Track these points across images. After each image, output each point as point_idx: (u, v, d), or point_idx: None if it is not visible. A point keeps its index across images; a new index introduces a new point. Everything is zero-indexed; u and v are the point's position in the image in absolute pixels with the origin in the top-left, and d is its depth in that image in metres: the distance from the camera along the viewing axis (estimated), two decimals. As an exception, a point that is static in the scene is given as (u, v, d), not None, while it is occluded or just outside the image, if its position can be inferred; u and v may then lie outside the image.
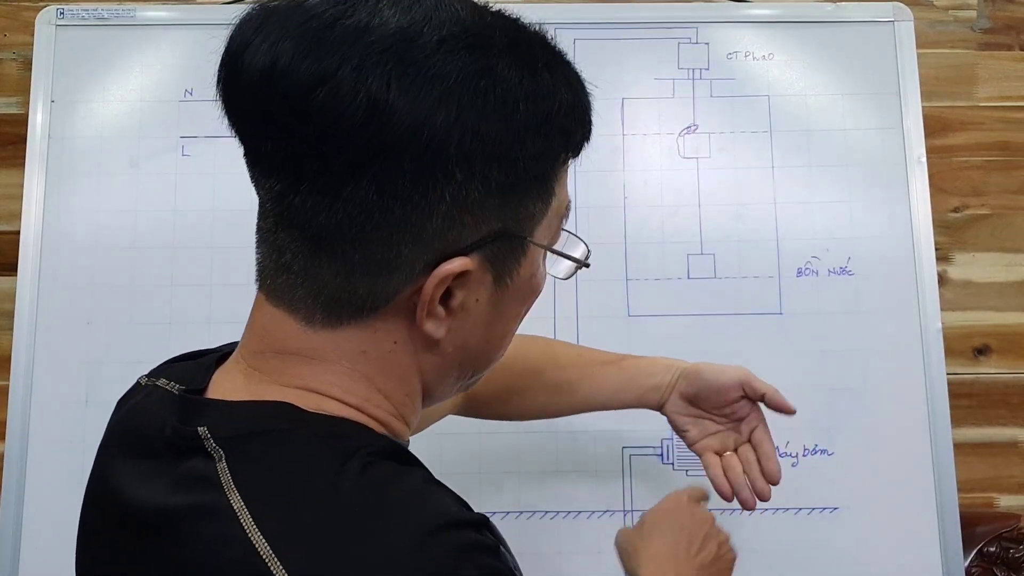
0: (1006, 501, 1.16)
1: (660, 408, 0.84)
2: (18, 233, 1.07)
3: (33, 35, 1.11)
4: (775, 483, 0.82)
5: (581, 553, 1.02)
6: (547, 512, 1.03)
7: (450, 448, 1.04)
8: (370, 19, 0.44)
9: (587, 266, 0.57)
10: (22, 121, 1.10)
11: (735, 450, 0.84)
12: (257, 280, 0.51)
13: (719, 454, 0.83)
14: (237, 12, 0.48)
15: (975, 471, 1.15)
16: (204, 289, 1.05)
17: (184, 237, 1.07)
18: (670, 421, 0.85)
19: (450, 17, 0.45)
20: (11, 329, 1.05)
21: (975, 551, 1.09)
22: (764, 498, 0.83)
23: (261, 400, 0.49)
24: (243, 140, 0.48)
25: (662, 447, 1.05)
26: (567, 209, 0.54)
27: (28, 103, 1.09)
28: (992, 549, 1.09)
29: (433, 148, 0.44)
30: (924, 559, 1.02)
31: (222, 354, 0.56)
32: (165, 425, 0.50)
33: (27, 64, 1.13)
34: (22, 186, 1.07)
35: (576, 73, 0.51)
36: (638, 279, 1.08)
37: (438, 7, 0.45)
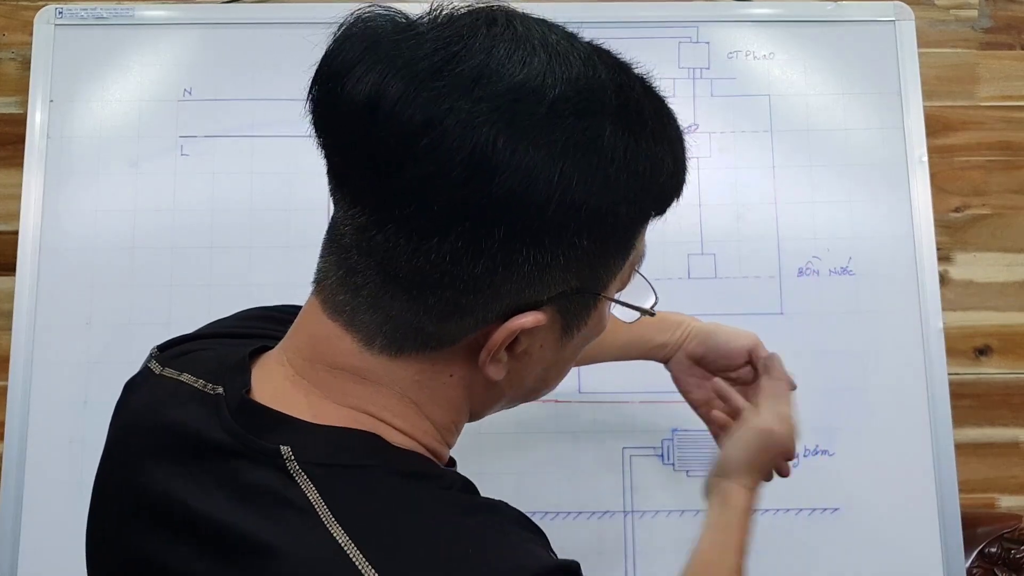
0: (1007, 501, 1.16)
1: (665, 363, 0.85)
2: (17, 233, 1.06)
3: (32, 35, 1.11)
4: (790, 458, 0.82)
5: (581, 553, 1.02)
6: (547, 512, 1.03)
7: (450, 448, 1.04)
8: (484, 65, 0.43)
9: (652, 315, 0.56)
10: (21, 121, 1.10)
11: None
12: (315, 284, 0.50)
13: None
14: (337, 19, 0.46)
15: (976, 471, 1.15)
16: (204, 289, 1.05)
17: (183, 237, 1.06)
18: (673, 378, 0.85)
19: (564, 74, 0.44)
20: (10, 329, 1.04)
21: (976, 552, 1.09)
22: (783, 475, 0.82)
23: (347, 428, 0.48)
24: (330, 161, 0.47)
25: (662, 447, 1.05)
26: (642, 257, 0.53)
27: (27, 103, 1.09)
28: (993, 550, 1.09)
29: (529, 215, 0.43)
30: (925, 559, 1.02)
31: (252, 350, 0.54)
32: (213, 428, 0.49)
33: (26, 64, 1.13)
34: (21, 186, 1.07)
35: (678, 130, 0.50)
36: (638, 279, 1.08)
37: (552, 61, 0.44)
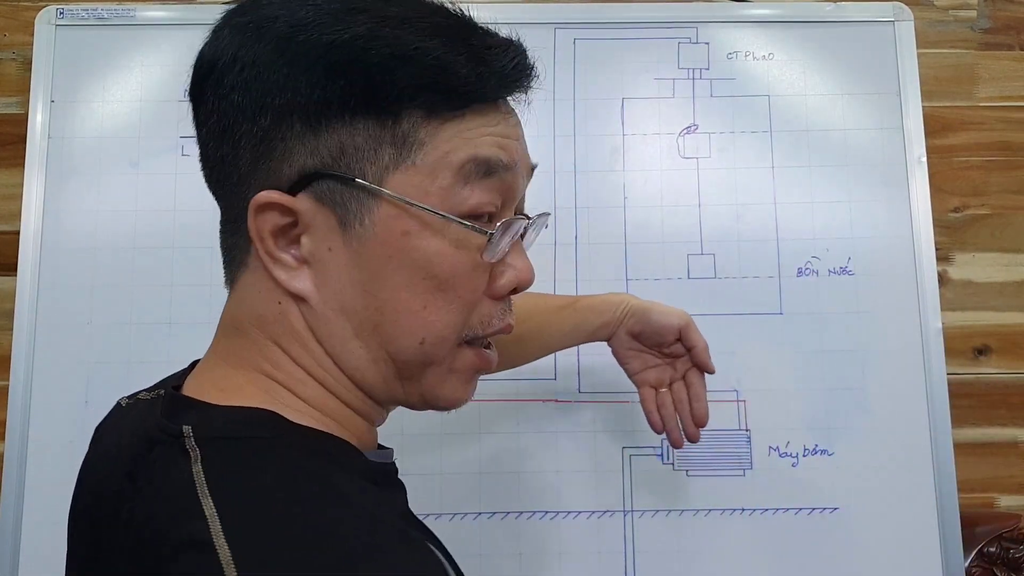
0: (1006, 501, 1.16)
1: (608, 340, 0.89)
2: (18, 233, 1.07)
3: (33, 35, 1.11)
4: (702, 424, 0.88)
5: (581, 553, 1.02)
6: (547, 512, 1.03)
7: (450, 448, 1.04)
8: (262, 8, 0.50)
9: (487, 233, 0.51)
10: (22, 121, 1.10)
11: (670, 386, 0.90)
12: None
13: (656, 388, 0.89)
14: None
15: (975, 471, 1.15)
16: (204, 289, 1.05)
17: (184, 237, 1.07)
18: (614, 353, 0.89)
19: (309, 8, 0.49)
20: (11, 329, 1.04)
21: (975, 551, 1.09)
22: (692, 440, 0.89)
23: (242, 406, 0.49)
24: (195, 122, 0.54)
25: (662, 447, 1.05)
26: (476, 165, 0.50)
27: (28, 103, 1.09)
28: (992, 549, 1.09)
29: (221, 81, 0.49)
30: (924, 559, 1.02)
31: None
32: (149, 427, 0.50)
33: (27, 64, 1.13)
34: (22, 186, 1.07)
35: (420, 14, 0.50)
36: (638, 279, 1.08)
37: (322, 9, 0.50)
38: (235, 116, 0.49)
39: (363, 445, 0.53)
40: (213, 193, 0.53)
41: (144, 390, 0.58)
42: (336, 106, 0.48)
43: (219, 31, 0.50)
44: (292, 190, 0.49)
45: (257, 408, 0.49)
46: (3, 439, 1.04)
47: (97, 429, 0.59)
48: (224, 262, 0.53)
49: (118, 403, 0.59)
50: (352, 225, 0.49)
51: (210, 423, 0.48)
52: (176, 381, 0.54)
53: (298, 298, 0.50)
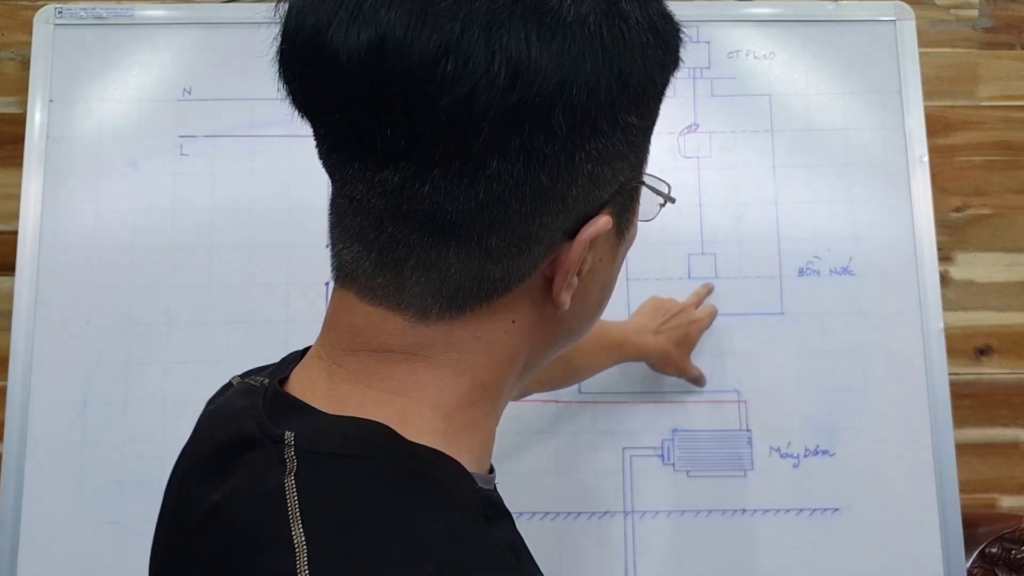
0: (1008, 502, 1.16)
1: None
2: (16, 233, 1.06)
3: (31, 34, 1.10)
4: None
5: (581, 553, 1.02)
6: (547, 512, 1.03)
7: (450, 448, 1.04)
8: None
9: (673, 200, 0.52)
10: (20, 120, 1.10)
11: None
12: (339, 278, 0.46)
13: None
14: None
15: (977, 472, 1.15)
16: (203, 289, 1.05)
17: (183, 237, 1.06)
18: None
19: None
20: (9, 329, 1.04)
21: (977, 552, 1.09)
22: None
23: (356, 417, 0.44)
24: (333, 133, 0.42)
25: (662, 447, 1.05)
26: None
27: (26, 102, 1.09)
28: (994, 550, 1.09)
29: (584, 102, 0.39)
30: (925, 560, 1.02)
31: (308, 347, 0.52)
32: (247, 419, 0.47)
33: (25, 63, 1.13)
34: (20, 186, 1.07)
35: None
36: (638, 279, 1.08)
37: None
38: (586, 140, 0.40)
39: (483, 455, 0.48)
40: (469, 221, 0.41)
41: (256, 372, 0.54)
42: (659, 97, 0.44)
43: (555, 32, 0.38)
44: (605, 206, 0.43)
45: (369, 420, 0.44)
46: (1, 439, 1.03)
47: (209, 402, 0.56)
48: (444, 294, 0.43)
49: (230, 381, 0.56)
50: (624, 231, 0.46)
51: (315, 434, 0.44)
52: (282, 372, 0.49)
53: (547, 314, 0.46)
